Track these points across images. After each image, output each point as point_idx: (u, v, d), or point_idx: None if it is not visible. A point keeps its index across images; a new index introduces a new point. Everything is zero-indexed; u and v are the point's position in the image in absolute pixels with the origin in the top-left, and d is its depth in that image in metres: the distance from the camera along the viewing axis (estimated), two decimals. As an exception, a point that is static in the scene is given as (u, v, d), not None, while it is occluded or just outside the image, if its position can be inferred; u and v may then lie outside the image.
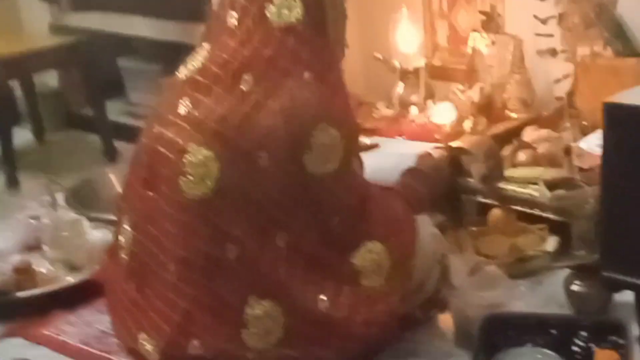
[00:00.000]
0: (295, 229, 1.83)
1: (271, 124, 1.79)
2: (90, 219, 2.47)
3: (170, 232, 1.82)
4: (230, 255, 1.79)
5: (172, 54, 3.25)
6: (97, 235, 2.39)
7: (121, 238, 1.96)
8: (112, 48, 3.70)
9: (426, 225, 2.03)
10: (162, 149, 1.84)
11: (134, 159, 1.96)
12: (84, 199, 2.71)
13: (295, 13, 1.86)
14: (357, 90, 2.92)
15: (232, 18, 1.88)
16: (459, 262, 2.08)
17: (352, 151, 1.91)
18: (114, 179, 2.80)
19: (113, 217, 2.15)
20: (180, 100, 1.86)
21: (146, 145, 1.90)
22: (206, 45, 1.92)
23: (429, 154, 2.32)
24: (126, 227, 1.94)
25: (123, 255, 1.94)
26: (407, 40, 2.82)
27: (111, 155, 3.45)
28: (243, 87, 1.82)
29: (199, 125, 1.81)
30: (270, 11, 1.85)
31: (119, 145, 3.41)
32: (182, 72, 1.92)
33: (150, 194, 1.86)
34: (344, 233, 1.88)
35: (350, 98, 1.99)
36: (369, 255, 1.89)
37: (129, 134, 3.32)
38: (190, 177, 1.79)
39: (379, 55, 2.85)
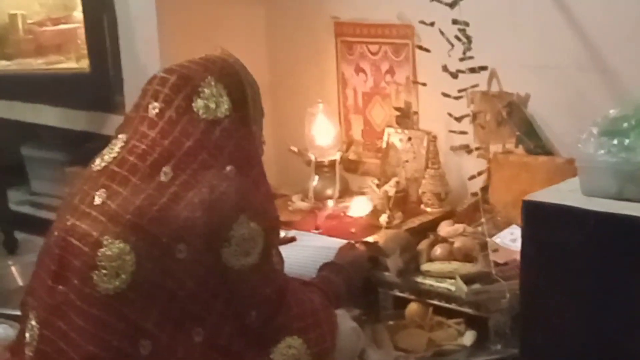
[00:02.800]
0: (211, 323, 1.77)
1: (190, 216, 1.75)
2: (-10, 315, 2.36)
3: (80, 327, 1.73)
4: (143, 352, 1.72)
5: (77, 143, 3.23)
6: (-2, 331, 2.27)
7: (27, 334, 1.85)
8: (15, 136, 3.61)
9: (345, 320, 2.01)
10: (75, 242, 1.76)
11: (43, 251, 1.87)
12: (-18, 294, 2.59)
13: (222, 109, 1.85)
14: (271, 183, 2.91)
15: (154, 108, 1.85)
16: (378, 357, 2.06)
17: (272, 245, 1.88)
18: (16, 272, 2.69)
19: (15, 312, 2.05)
20: (95, 191, 1.80)
21: (57, 237, 1.82)
22: (122, 136, 1.88)
23: (348, 248, 2.31)
24: (32, 322, 1.83)
25: (28, 353, 1.83)
26: (323, 134, 2.84)
27: (11, 246, 3.31)
28: (162, 178, 1.79)
29: (115, 216, 1.75)
30: (197, 104, 1.84)
31: (20, 236, 3.28)
32: (97, 163, 1.87)
33: (60, 287, 1.77)
34: (262, 327, 1.83)
35: (272, 191, 1.98)
36: (289, 350, 1.85)
37: (30, 224, 3.23)
38: (104, 271, 1.72)
39: (294, 148, 2.86)
